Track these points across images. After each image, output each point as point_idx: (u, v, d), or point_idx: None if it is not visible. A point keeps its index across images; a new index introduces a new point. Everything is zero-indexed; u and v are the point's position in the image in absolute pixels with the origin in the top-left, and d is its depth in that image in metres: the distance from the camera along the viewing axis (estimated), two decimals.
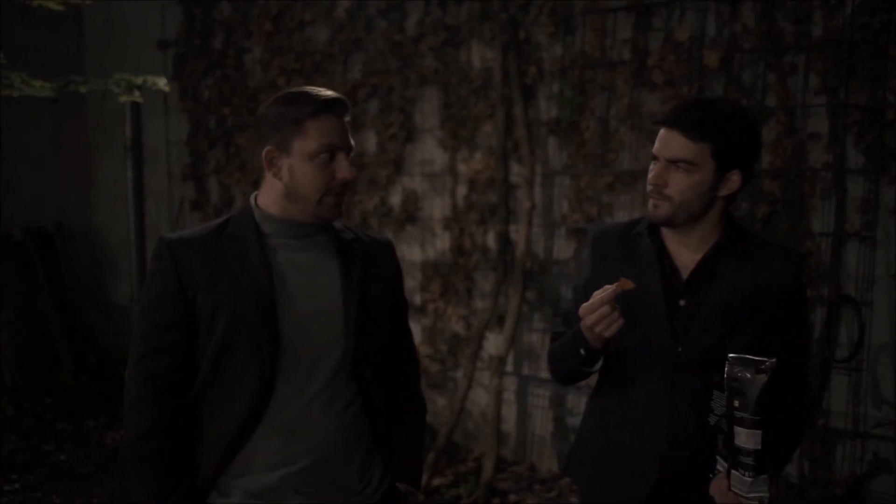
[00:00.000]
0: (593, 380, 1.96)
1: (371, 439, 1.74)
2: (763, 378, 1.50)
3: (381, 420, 1.74)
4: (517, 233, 3.95)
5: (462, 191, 4.25)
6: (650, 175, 1.72)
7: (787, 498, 3.16)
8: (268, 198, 1.70)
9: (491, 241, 4.15)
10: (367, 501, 1.72)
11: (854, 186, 3.06)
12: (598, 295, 1.64)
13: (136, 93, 3.28)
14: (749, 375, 1.51)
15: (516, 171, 3.99)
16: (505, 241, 4.01)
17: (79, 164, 6.14)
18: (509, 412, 4.16)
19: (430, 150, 4.38)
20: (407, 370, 1.88)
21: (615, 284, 1.63)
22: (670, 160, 1.68)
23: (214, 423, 1.62)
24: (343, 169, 1.65)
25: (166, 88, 3.35)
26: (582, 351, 1.74)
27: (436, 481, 3.88)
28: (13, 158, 5.63)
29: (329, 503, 1.67)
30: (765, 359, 1.52)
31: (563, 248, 3.92)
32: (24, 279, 5.52)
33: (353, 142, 1.69)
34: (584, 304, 1.66)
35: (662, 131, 1.71)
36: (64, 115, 5.91)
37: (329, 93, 1.66)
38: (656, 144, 1.72)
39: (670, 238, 1.78)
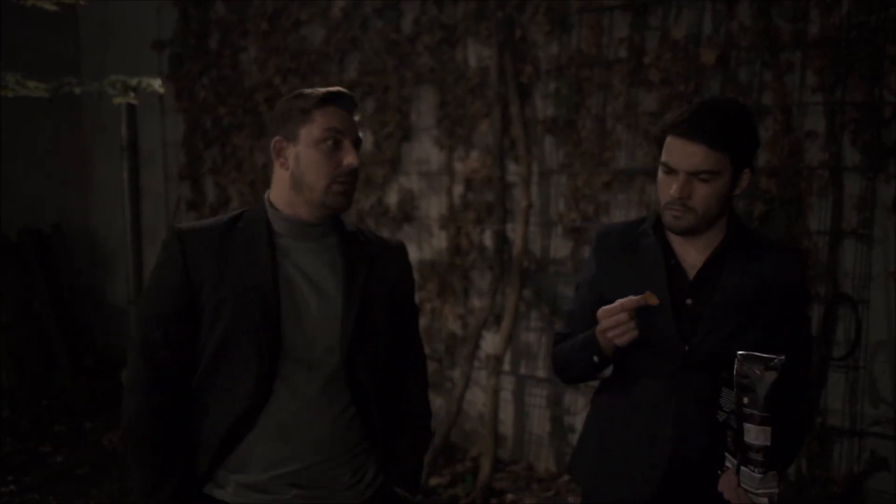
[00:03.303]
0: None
1: (367, 444, 1.75)
2: (772, 375, 1.51)
3: (378, 428, 1.74)
4: (514, 232, 3.95)
5: (459, 190, 4.25)
6: (672, 188, 1.67)
7: (786, 496, 3.16)
8: (277, 192, 1.72)
9: (488, 240, 4.14)
10: (360, 497, 1.73)
11: (851, 184, 3.05)
12: (620, 301, 1.64)
13: (132, 94, 3.27)
14: (758, 372, 1.51)
15: (513, 170, 3.98)
16: (502, 239, 4.00)
17: (76, 165, 6.13)
18: (507, 412, 4.16)
19: (426, 150, 4.37)
20: (413, 378, 1.87)
21: (640, 296, 1.63)
22: (692, 172, 1.65)
23: (211, 419, 1.64)
24: (349, 156, 1.66)
25: (161, 90, 3.34)
26: (595, 358, 1.75)
27: (433, 481, 3.88)
28: (11, 159, 5.61)
29: (321, 497, 1.68)
30: (773, 356, 1.52)
31: (560, 247, 3.91)
32: (21, 280, 5.51)
33: (361, 135, 1.71)
34: (604, 308, 1.66)
35: (679, 141, 1.66)
36: (61, 116, 5.90)
37: (338, 88, 1.71)
38: (671, 155, 1.67)
39: (676, 238, 1.78)
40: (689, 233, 1.73)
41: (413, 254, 4.45)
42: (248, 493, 1.64)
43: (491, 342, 4.08)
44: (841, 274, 3.08)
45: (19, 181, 5.71)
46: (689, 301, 1.74)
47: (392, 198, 4.53)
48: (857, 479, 3.06)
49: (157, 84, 3.29)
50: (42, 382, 5.39)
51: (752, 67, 3.26)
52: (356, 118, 1.71)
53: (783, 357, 1.52)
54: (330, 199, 1.67)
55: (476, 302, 4.22)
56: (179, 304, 1.64)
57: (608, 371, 1.81)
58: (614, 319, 1.64)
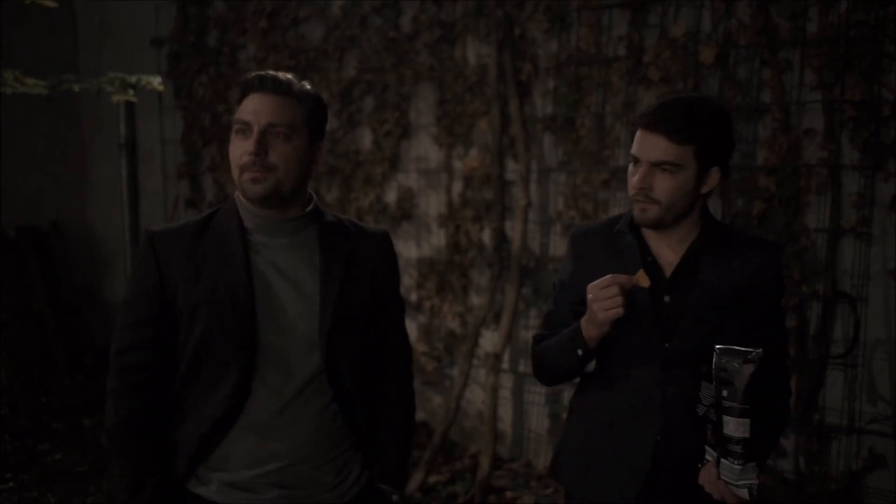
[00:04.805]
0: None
1: (351, 442, 1.73)
2: (750, 368, 1.53)
3: (362, 424, 1.72)
4: (513, 229, 3.95)
5: (458, 188, 4.25)
6: (634, 178, 1.71)
7: (784, 494, 3.16)
8: None
9: (487, 237, 4.14)
10: (344, 497, 1.71)
11: (849, 182, 3.06)
12: (613, 275, 1.65)
13: (130, 92, 3.27)
14: (736, 365, 1.54)
15: (512, 168, 3.98)
16: (501, 237, 4.00)
17: (74, 163, 6.12)
18: (505, 409, 4.16)
19: (425, 147, 4.37)
20: (396, 370, 1.83)
21: (632, 276, 1.65)
22: (654, 163, 1.68)
23: (192, 419, 1.64)
24: (245, 143, 1.59)
25: (160, 88, 3.33)
26: (580, 352, 1.74)
27: (432, 479, 3.88)
28: (9, 157, 5.61)
29: (304, 497, 1.67)
30: (751, 349, 1.55)
31: (559, 245, 3.92)
32: (20, 279, 5.50)
33: (284, 118, 1.59)
34: (595, 282, 1.66)
35: (643, 133, 1.70)
36: (60, 114, 5.89)
37: (259, 72, 1.63)
38: (637, 146, 1.71)
39: (652, 236, 1.79)
40: (656, 226, 1.74)
41: (412, 252, 4.46)
42: (232, 491, 1.63)
43: (490, 340, 4.08)
44: (840, 272, 3.08)
45: (17, 179, 5.71)
46: (666, 298, 1.75)
47: (391, 196, 4.53)
48: (855, 476, 3.06)
49: (156, 82, 3.29)
50: (40, 380, 5.39)
51: (750, 65, 3.26)
52: (286, 98, 1.60)
53: (760, 350, 1.54)
54: (244, 189, 1.62)
55: (475, 300, 4.22)
56: (155, 310, 1.63)
57: (591, 367, 1.82)
58: (605, 292, 1.64)
